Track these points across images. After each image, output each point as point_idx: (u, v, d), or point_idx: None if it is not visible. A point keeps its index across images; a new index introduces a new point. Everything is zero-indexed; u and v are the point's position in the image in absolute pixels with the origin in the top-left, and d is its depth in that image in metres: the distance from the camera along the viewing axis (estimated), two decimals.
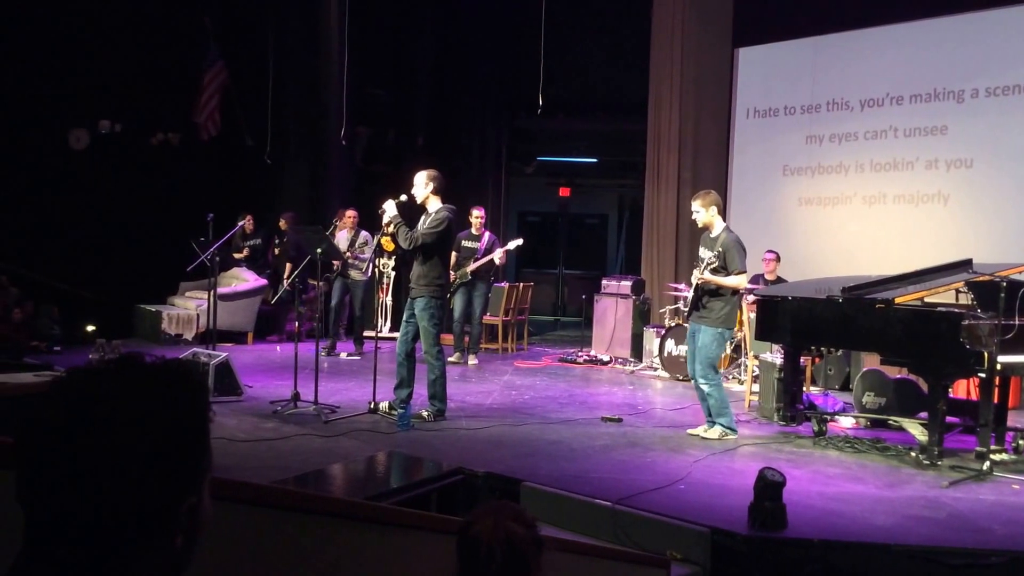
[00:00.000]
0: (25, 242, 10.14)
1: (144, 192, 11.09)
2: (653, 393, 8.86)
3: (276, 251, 11.57)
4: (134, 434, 0.96)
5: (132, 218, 10.86)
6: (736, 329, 8.06)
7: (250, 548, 1.95)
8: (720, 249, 6.51)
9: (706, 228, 6.71)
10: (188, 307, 10.78)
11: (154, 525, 0.97)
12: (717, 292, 6.55)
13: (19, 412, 1.06)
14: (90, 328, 9.64)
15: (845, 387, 8.83)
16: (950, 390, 6.25)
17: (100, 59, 10.70)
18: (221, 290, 9.75)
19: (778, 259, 9.69)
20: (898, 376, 7.34)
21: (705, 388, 6.57)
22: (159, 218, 10.84)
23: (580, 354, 10.89)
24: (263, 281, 11.02)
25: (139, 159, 11.29)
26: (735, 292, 6.60)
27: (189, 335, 10.49)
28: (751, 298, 8.13)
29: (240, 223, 10.92)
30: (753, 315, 7.73)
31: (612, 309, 10.98)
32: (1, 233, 9.97)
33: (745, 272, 6.57)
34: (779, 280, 9.46)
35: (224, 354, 7.57)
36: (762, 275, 9.64)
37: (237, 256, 11.35)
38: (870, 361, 7.88)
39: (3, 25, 10.07)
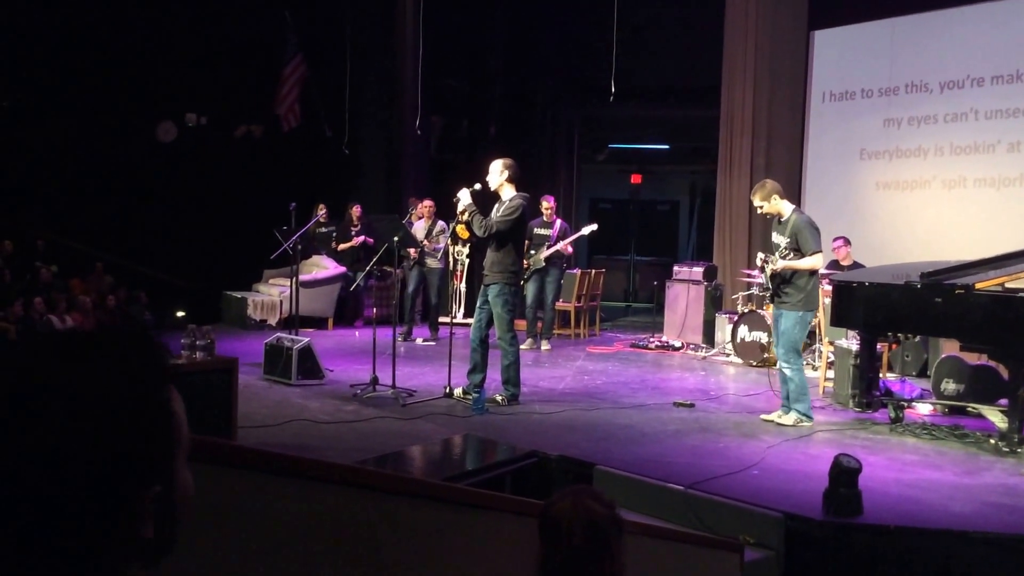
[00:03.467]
0: (117, 231, 10.51)
1: (229, 182, 11.38)
2: (725, 379, 8.77)
3: (337, 242, 11.62)
4: (69, 419, 0.82)
5: (218, 207, 11.15)
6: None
7: (334, 526, 2.01)
8: (792, 232, 6.39)
9: (775, 215, 6.59)
10: (272, 293, 11.04)
11: (109, 518, 0.84)
12: (794, 276, 6.43)
13: None
14: (180, 314, 9.95)
15: (923, 374, 8.60)
16: None
17: (185, 54, 11.01)
18: (303, 277, 9.96)
19: (848, 244, 9.43)
20: (977, 362, 7.12)
21: (787, 372, 6.47)
22: (243, 207, 11.11)
23: (652, 340, 10.83)
24: (342, 268, 11.20)
25: (224, 150, 11.59)
26: (812, 273, 6.44)
27: (273, 320, 10.75)
28: (827, 284, 7.98)
29: (317, 214, 11.10)
30: (829, 301, 7.58)
31: (684, 295, 10.89)
32: (95, 223, 10.36)
33: (820, 252, 6.41)
34: (856, 265, 9.24)
35: (306, 339, 7.74)
36: (836, 261, 9.43)
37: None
38: (949, 347, 7.66)
39: (94, 23, 10.42)
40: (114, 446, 0.84)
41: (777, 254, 6.45)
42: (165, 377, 0.90)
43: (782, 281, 6.47)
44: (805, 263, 6.36)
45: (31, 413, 0.82)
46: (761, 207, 6.55)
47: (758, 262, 6.77)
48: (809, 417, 6.50)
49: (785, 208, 6.54)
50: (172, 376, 0.92)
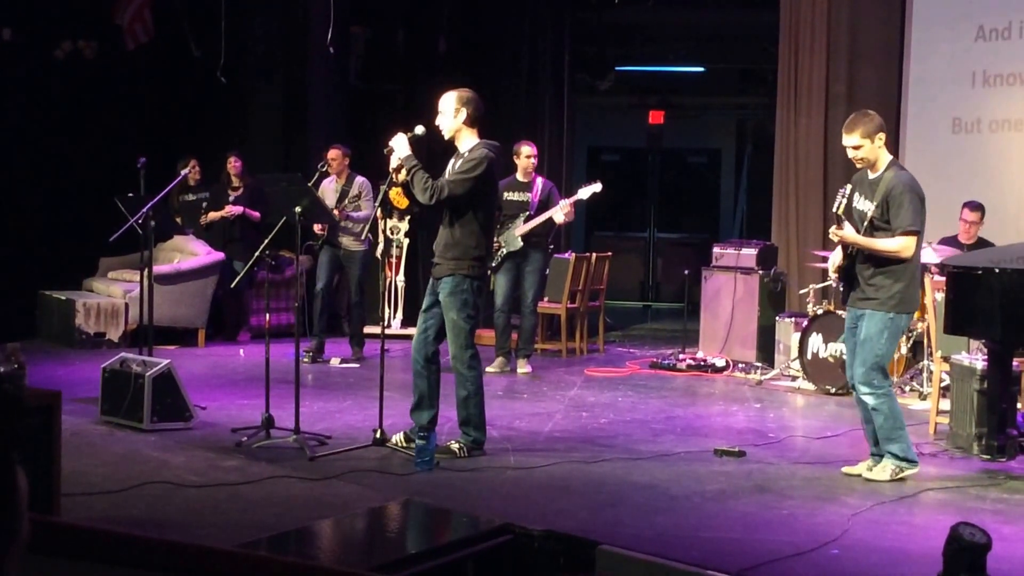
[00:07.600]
0: None
1: (47, 126, 11.25)
2: (791, 414, 8.84)
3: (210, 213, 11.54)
4: None
5: (32, 165, 11.03)
6: (916, 316, 7.94)
7: None
8: (883, 196, 6.33)
9: (866, 167, 6.55)
10: (113, 294, 10.96)
11: None
12: (886, 260, 6.40)
13: None
14: None
15: None
16: None
17: None
18: (160, 269, 9.88)
19: (982, 214, 9.46)
20: None
21: (869, 400, 6.45)
22: (70, 164, 10.99)
23: (682, 357, 10.88)
24: (220, 255, 11.12)
25: (39, 79, 11.45)
26: (903, 260, 6.33)
27: (115, 334, 10.67)
28: (937, 272, 8.01)
29: (183, 172, 11.02)
30: (941, 296, 7.63)
31: (729, 290, 10.92)
32: None
33: (915, 232, 6.30)
34: (981, 243, 9.31)
35: (165, 361, 7.68)
36: (954, 237, 9.47)
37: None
38: None
39: None
40: None
41: (863, 223, 6.38)
42: (11, 442, 0.95)
43: (866, 263, 6.39)
44: (885, 245, 6.30)
45: None
46: (859, 148, 6.39)
47: (833, 237, 6.63)
48: (911, 462, 6.49)
49: (882, 159, 6.48)
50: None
